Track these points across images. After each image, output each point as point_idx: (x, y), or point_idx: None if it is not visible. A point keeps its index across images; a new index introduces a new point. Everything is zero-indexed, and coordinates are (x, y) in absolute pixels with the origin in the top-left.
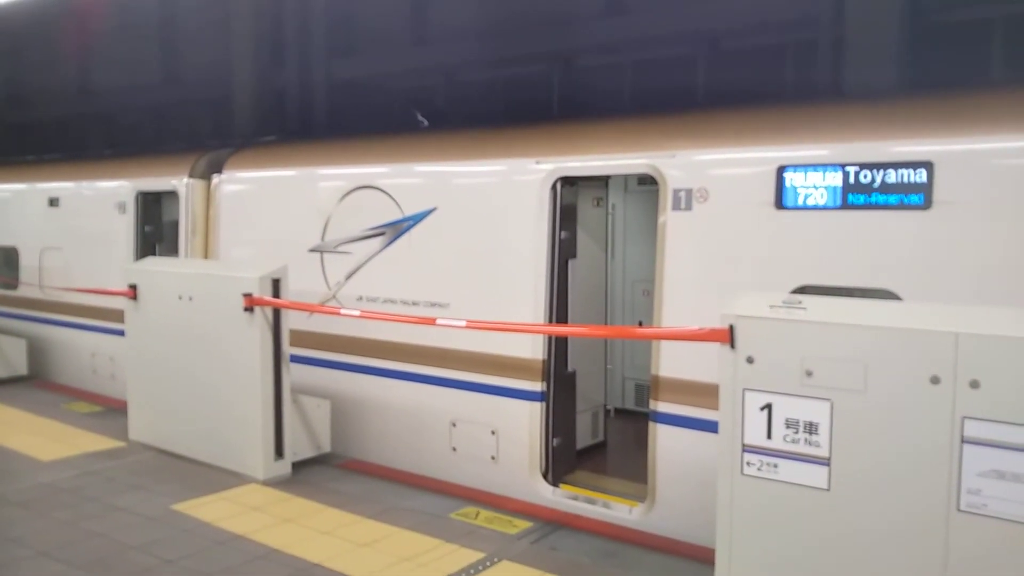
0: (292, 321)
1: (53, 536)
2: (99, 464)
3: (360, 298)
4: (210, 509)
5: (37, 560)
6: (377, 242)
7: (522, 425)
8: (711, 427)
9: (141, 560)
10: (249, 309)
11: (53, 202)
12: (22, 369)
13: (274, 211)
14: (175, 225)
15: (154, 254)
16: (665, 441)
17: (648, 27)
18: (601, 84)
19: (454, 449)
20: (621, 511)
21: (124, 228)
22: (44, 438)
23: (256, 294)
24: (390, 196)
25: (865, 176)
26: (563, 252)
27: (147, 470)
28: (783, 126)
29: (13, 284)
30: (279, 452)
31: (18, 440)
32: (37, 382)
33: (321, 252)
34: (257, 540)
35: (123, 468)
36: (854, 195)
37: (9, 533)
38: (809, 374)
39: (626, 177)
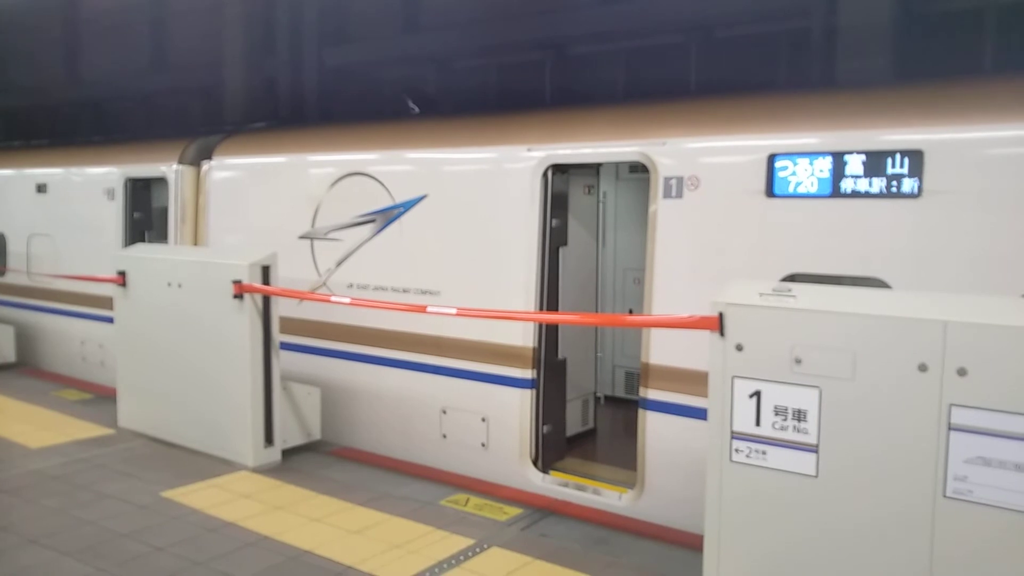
0: (282, 308)
1: (43, 523)
2: (89, 451)
3: (351, 285)
4: (200, 496)
5: (27, 547)
6: (367, 229)
7: (512, 412)
8: (700, 414)
9: (131, 547)
10: (239, 296)
11: (41, 188)
12: (10, 356)
13: (264, 198)
14: (164, 212)
15: (143, 241)
16: (655, 428)
17: (641, 15)
18: (593, 72)
19: (444, 436)
20: (611, 498)
21: (113, 215)
22: (33, 425)
23: (246, 281)
24: (380, 183)
25: (856, 164)
26: (554, 240)
27: (137, 457)
28: (774, 114)
29: (0, 271)
30: (269, 439)
31: (7, 428)
32: (25, 369)
33: (311, 239)
34: (247, 527)
35: (113, 455)
36: (845, 183)
37: None
38: (798, 362)
39: (617, 165)
